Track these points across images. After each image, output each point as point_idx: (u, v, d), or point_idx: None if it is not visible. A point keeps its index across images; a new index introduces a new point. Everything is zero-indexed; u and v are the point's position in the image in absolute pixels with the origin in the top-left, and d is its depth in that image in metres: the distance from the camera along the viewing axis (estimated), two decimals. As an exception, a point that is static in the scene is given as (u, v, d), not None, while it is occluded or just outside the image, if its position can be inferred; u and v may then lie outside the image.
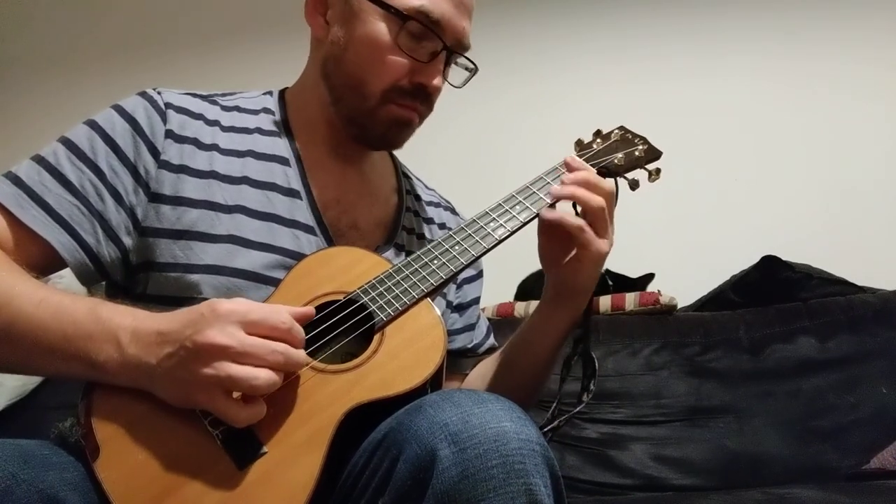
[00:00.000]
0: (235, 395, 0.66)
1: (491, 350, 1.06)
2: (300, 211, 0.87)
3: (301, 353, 0.68)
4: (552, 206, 0.86)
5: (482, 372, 0.99)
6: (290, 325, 0.68)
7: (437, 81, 0.87)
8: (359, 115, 0.88)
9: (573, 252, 0.84)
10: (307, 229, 0.87)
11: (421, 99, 0.88)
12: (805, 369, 1.55)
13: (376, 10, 0.85)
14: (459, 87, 0.93)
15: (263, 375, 0.64)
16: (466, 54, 0.91)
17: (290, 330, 0.67)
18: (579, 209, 0.85)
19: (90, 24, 2.61)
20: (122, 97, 0.86)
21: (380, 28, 0.85)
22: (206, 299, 0.72)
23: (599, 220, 0.83)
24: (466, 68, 0.93)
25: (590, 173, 0.87)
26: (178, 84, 0.93)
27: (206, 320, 0.65)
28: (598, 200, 0.83)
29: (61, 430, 0.77)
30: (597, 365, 0.91)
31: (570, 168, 0.87)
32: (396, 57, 0.85)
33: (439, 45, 0.86)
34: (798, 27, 2.06)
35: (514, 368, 0.94)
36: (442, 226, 1.05)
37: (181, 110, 0.86)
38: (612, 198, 0.85)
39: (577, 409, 0.88)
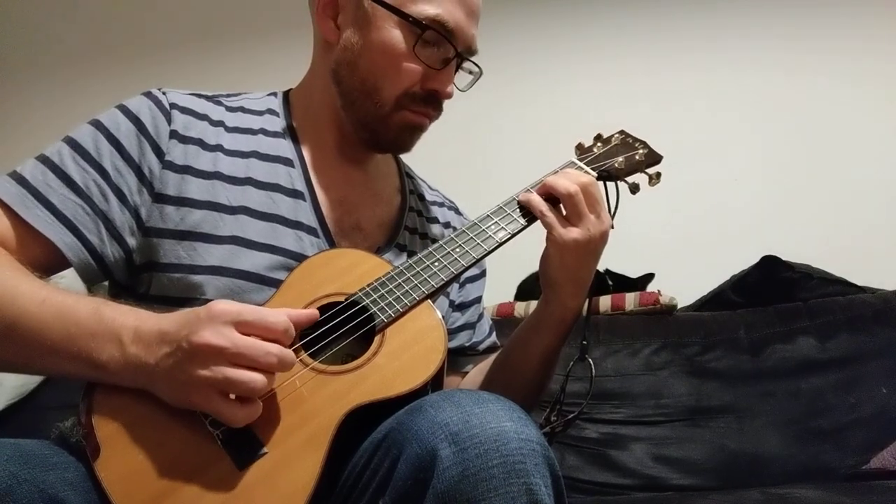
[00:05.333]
0: (232, 395, 0.66)
1: (492, 348, 1.06)
2: (304, 212, 0.88)
3: (292, 353, 0.68)
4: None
5: (482, 370, 0.99)
6: (286, 326, 0.68)
7: (449, 89, 0.89)
8: (372, 120, 0.89)
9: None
10: (310, 230, 0.87)
11: (433, 105, 0.90)
12: (805, 369, 1.54)
13: (392, 17, 0.85)
14: (464, 91, 0.93)
15: (258, 378, 0.65)
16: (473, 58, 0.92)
17: (284, 331, 0.68)
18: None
19: (90, 24, 2.60)
20: (124, 97, 0.86)
21: (396, 35, 0.85)
22: (209, 300, 0.72)
23: (568, 205, 0.84)
24: (470, 71, 0.94)
25: (576, 171, 0.88)
26: (180, 84, 0.94)
27: (200, 321, 0.65)
28: (565, 185, 0.84)
29: (62, 430, 0.77)
30: (593, 371, 0.91)
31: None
32: (412, 64, 0.86)
33: (451, 51, 0.87)
34: (798, 27, 2.06)
35: (511, 366, 0.95)
36: (446, 225, 1.05)
37: (186, 111, 0.87)
38: (589, 190, 0.84)
39: (572, 416, 0.89)
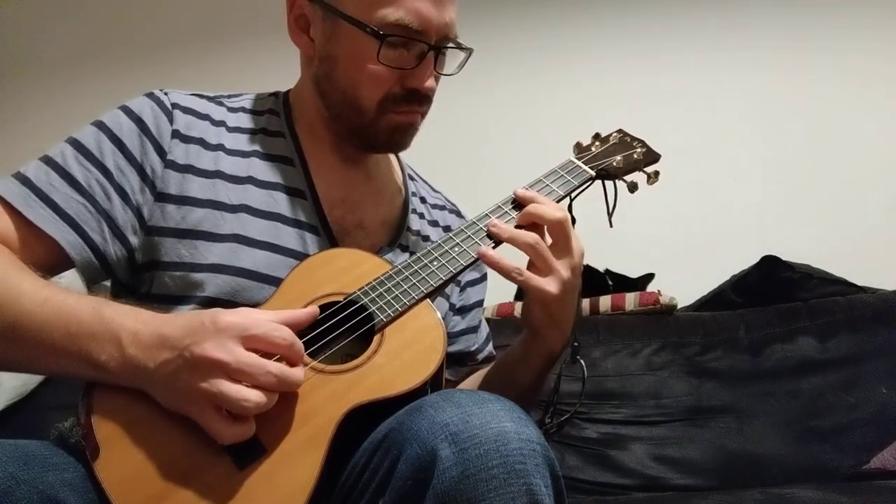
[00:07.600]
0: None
1: (489, 359, 1.06)
2: (305, 211, 0.88)
3: (297, 373, 0.68)
4: (496, 245, 0.84)
5: (475, 382, 0.99)
6: (291, 341, 0.68)
7: (429, 83, 0.86)
8: (360, 128, 0.88)
9: None
10: (311, 229, 0.87)
11: (418, 101, 0.87)
12: (805, 369, 1.55)
13: (354, 28, 0.83)
14: (453, 75, 0.91)
15: (254, 397, 0.64)
16: (458, 39, 0.88)
17: (290, 346, 0.67)
18: None
19: (90, 24, 2.60)
20: (124, 97, 0.87)
21: (361, 45, 0.83)
22: (210, 298, 0.72)
23: (536, 258, 0.80)
24: (460, 48, 0.89)
25: (536, 206, 0.83)
26: (181, 84, 0.94)
27: (205, 332, 0.65)
28: (525, 238, 0.80)
29: (61, 431, 0.77)
30: (585, 373, 0.91)
31: (520, 201, 0.85)
32: (384, 71, 0.84)
33: (424, 47, 0.84)
34: (799, 27, 2.06)
35: (502, 386, 0.93)
36: (447, 229, 1.04)
37: (187, 111, 0.87)
38: (556, 231, 0.81)
39: (564, 418, 0.88)
